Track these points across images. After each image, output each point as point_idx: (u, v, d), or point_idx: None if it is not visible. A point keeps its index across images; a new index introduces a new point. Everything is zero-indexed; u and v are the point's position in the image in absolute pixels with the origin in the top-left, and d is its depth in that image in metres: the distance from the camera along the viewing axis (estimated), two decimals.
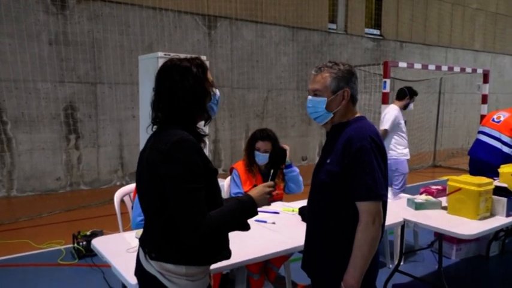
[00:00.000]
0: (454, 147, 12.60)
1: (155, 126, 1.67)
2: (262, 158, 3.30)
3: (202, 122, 1.73)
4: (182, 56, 1.73)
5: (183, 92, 1.59)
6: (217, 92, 1.73)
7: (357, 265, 1.72)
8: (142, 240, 1.70)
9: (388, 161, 5.27)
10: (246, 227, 1.69)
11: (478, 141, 4.70)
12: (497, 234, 4.27)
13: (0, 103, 6.27)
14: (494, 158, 4.37)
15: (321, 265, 1.89)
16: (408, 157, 5.11)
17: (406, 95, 5.08)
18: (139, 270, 1.68)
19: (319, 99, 1.84)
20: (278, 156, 1.95)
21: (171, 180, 1.49)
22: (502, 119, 4.55)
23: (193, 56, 1.71)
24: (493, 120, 4.63)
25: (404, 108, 5.10)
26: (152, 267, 1.60)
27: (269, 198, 1.74)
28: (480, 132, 4.75)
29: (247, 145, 3.40)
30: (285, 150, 2.02)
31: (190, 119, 1.64)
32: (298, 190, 3.41)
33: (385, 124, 4.95)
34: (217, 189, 1.66)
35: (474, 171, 4.53)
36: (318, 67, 1.88)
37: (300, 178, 3.41)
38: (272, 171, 1.85)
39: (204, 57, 5.13)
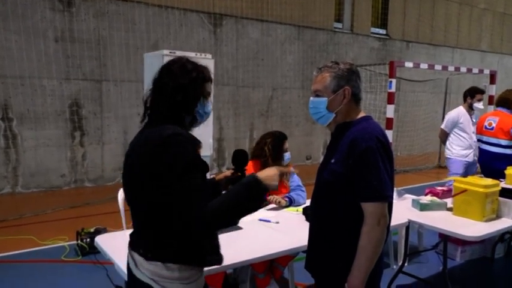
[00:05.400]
0: None
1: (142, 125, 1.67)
2: (288, 158, 3.38)
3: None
4: (193, 58, 1.74)
5: (173, 86, 1.61)
6: (210, 105, 1.71)
7: (361, 266, 1.70)
8: (133, 242, 1.65)
9: (445, 160, 5.25)
10: (261, 205, 1.61)
11: (483, 151, 4.91)
12: (503, 236, 4.24)
13: (6, 100, 6.29)
14: (503, 163, 4.45)
15: (324, 265, 1.88)
16: (467, 159, 5.10)
17: (466, 95, 5.17)
18: (131, 280, 1.64)
19: (320, 99, 1.83)
20: (241, 158, 1.82)
21: (170, 172, 1.47)
22: (493, 125, 4.79)
23: (202, 64, 1.71)
24: (486, 128, 4.84)
25: (470, 108, 5.15)
26: (144, 275, 1.57)
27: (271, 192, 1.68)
28: (479, 141, 4.96)
29: (278, 148, 3.34)
30: (245, 151, 1.89)
31: (177, 117, 1.62)
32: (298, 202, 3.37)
33: (442, 124, 5.29)
34: (207, 185, 1.63)
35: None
36: (318, 68, 1.88)
37: (301, 200, 3.36)
38: (239, 175, 1.79)
39: (209, 56, 5.14)
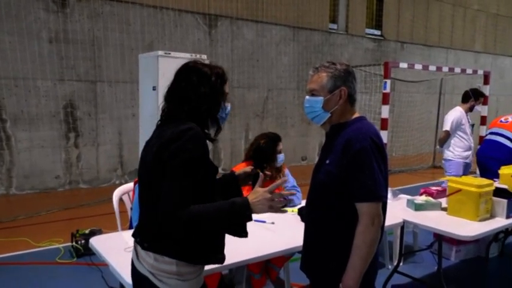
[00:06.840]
0: None
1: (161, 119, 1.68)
2: (282, 159, 3.30)
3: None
4: (207, 61, 1.76)
5: (196, 97, 1.60)
6: (229, 106, 1.73)
7: (356, 267, 1.70)
8: (136, 231, 1.68)
9: (442, 161, 5.12)
10: (241, 233, 1.60)
11: (486, 141, 4.81)
12: (497, 236, 4.27)
13: (0, 101, 6.25)
14: (501, 153, 4.45)
15: (319, 266, 1.88)
16: (467, 160, 5.05)
17: (470, 97, 5.08)
18: (133, 272, 1.68)
19: (316, 98, 1.84)
20: (261, 155, 1.85)
21: (169, 163, 1.48)
22: (510, 120, 4.70)
23: (217, 64, 1.72)
24: (501, 121, 4.77)
25: (470, 110, 5.11)
26: (143, 267, 1.59)
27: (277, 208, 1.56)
28: (488, 133, 4.85)
29: (271, 150, 3.23)
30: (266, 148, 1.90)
31: (199, 121, 1.63)
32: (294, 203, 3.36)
33: (445, 126, 5.05)
34: (214, 187, 1.63)
35: (483, 172, 4.62)
36: (315, 67, 1.88)
37: (297, 200, 3.33)
38: (259, 171, 1.79)
39: (204, 57, 5.13)
